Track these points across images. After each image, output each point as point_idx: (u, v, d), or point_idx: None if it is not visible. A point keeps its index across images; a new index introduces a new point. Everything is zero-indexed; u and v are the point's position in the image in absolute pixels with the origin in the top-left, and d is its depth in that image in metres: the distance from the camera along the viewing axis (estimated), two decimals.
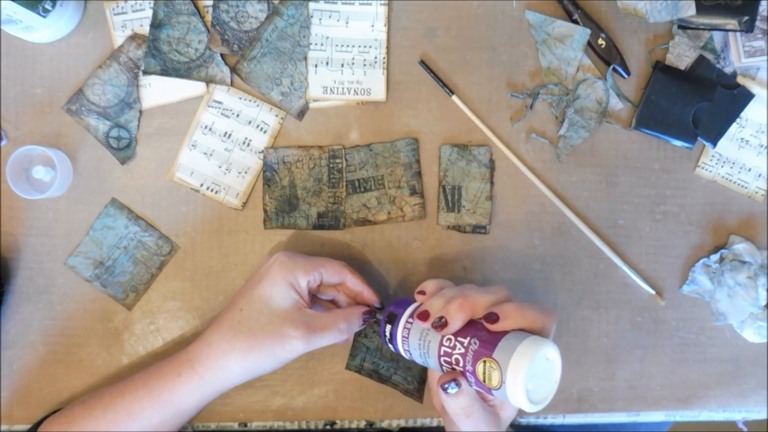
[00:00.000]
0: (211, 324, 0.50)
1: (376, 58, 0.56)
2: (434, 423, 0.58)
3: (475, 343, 0.42)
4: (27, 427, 0.53)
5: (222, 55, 0.56)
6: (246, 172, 0.57)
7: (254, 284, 0.48)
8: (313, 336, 0.47)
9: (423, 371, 0.56)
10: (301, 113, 0.57)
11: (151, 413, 0.49)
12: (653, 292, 0.57)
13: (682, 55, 0.57)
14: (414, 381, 0.56)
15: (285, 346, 0.47)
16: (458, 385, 0.42)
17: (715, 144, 0.57)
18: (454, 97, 0.56)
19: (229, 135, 0.56)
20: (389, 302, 0.51)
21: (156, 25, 0.55)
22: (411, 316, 0.47)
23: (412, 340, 0.46)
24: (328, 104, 0.57)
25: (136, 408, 0.49)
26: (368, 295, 0.52)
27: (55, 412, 0.53)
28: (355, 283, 0.52)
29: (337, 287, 0.54)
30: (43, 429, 0.51)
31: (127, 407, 0.49)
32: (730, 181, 0.58)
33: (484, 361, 0.40)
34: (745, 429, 0.61)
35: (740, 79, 0.57)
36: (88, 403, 0.51)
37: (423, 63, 0.56)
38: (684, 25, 0.56)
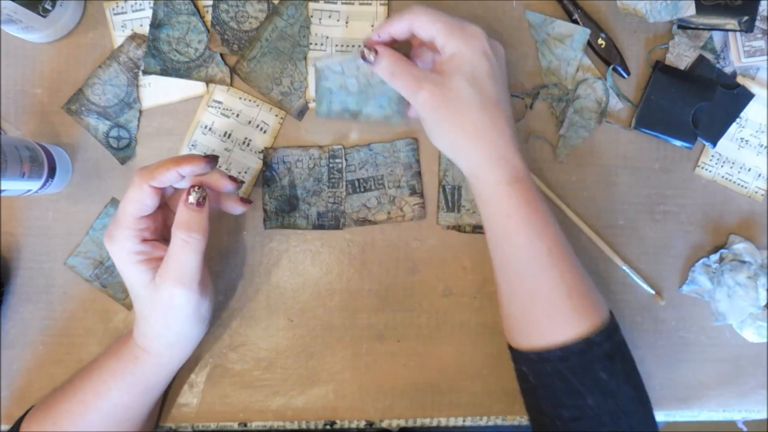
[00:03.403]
0: None
1: None
2: (434, 423, 0.58)
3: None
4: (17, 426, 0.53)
5: (222, 55, 0.56)
6: (246, 172, 0.57)
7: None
8: (180, 276, 0.45)
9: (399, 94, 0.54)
10: (301, 113, 0.57)
11: (119, 392, 0.50)
12: (653, 292, 0.57)
13: (681, 55, 0.57)
14: (391, 104, 0.54)
15: (176, 305, 0.46)
16: (374, 51, 0.48)
17: (714, 144, 0.57)
18: None
19: (229, 135, 0.56)
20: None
21: (156, 24, 0.55)
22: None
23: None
24: None
25: (103, 389, 0.49)
26: (187, 170, 0.45)
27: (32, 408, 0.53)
28: (167, 179, 0.44)
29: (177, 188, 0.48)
30: (26, 421, 0.51)
31: (95, 388, 0.50)
32: (730, 180, 0.58)
33: None
34: (744, 429, 0.61)
35: (740, 79, 0.57)
36: (62, 389, 0.52)
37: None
38: (684, 25, 0.56)
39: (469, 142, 0.46)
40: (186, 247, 0.45)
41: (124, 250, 0.45)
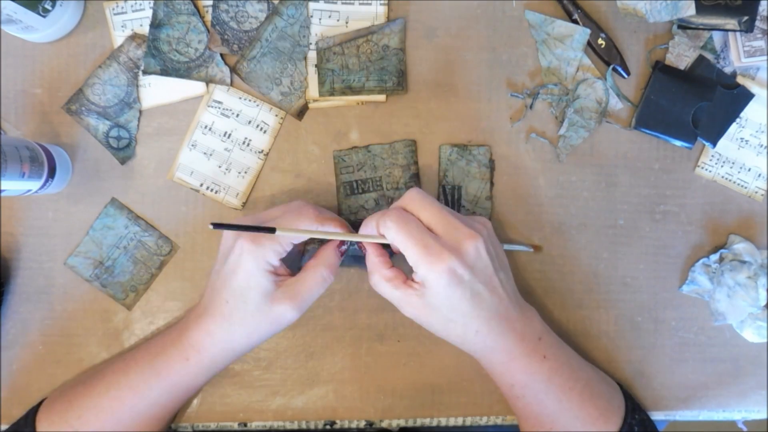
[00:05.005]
0: (202, 309, 0.50)
1: None
2: (434, 423, 0.58)
3: None
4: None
5: (222, 55, 0.56)
6: (246, 172, 0.57)
7: (230, 275, 0.48)
8: (301, 301, 0.48)
9: (398, 66, 0.56)
10: (301, 113, 0.57)
11: (159, 392, 0.50)
12: (531, 250, 0.57)
13: (681, 55, 0.57)
14: (392, 77, 0.55)
15: (280, 321, 0.48)
16: (363, 248, 0.50)
17: (714, 144, 0.57)
18: None
19: (229, 135, 0.56)
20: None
21: (156, 25, 0.55)
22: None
23: None
24: (328, 104, 0.57)
25: (143, 387, 0.50)
26: (339, 227, 0.50)
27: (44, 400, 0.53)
28: (324, 225, 0.49)
29: None
30: (43, 413, 0.51)
31: (133, 386, 0.50)
32: (730, 180, 0.58)
33: None
34: (744, 429, 0.61)
35: (740, 79, 0.57)
36: (89, 383, 0.51)
37: None
38: (684, 25, 0.56)
39: (459, 344, 0.50)
40: (322, 282, 0.49)
41: (263, 258, 0.47)
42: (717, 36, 0.57)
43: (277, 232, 0.45)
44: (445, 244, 0.46)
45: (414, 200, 0.48)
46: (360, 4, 0.56)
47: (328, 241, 0.50)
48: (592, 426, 0.50)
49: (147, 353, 0.51)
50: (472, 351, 0.50)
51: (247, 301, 0.47)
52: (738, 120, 0.58)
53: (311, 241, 0.53)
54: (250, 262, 0.47)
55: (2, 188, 0.48)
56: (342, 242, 0.50)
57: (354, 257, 0.56)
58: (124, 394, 0.50)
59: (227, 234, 0.49)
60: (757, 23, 0.55)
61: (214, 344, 0.49)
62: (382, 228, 0.47)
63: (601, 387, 0.53)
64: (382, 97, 0.56)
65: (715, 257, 0.58)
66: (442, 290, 0.46)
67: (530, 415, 0.52)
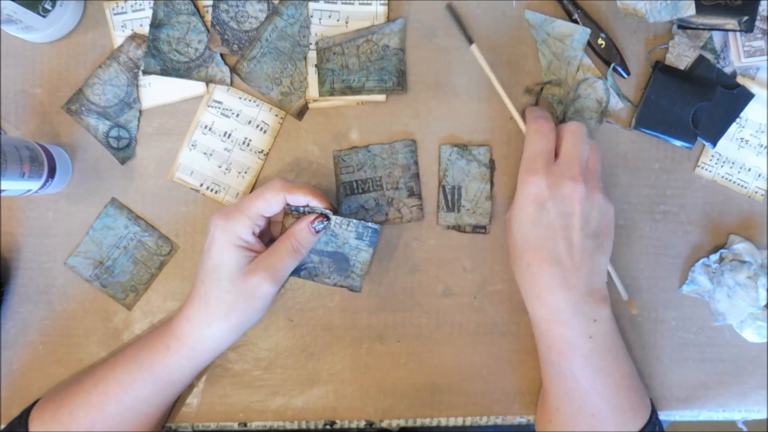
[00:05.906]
0: (186, 298, 0.51)
1: None
2: (434, 423, 0.58)
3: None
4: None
5: (222, 55, 0.56)
6: (246, 172, 0.57)
7: (205, 255, 0.49)
8: (275, 271, 0.48)
9: (398, 66, 0.56)
10: (301, 113, 0.57)
11: (143, 384, 0.50)
12: (627, 298, 0.56)
13: (681, 55, 0.57)
14: (392, 77, 0.56)
15: (256, 295, 0.48)
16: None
17: (714, 144, 0.57)
18: (473, 47, 0.55)
19: (229, 135, 0.56)
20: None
21: (156, 24, 0.55)
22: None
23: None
24: (328, 104, 0.57)
25: (128, 380, 0.50)
26: (315, 204, 0.50)
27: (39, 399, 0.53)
28: (298, 200, 0.50)
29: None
30: (36, 411, 0.51)
31: (119, 379, 0.50)
32: (730, 181, 0.58)
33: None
34: (744, 429, 0.61)
35: (740, 79, 0.57)
36: (81, 379, 0.52)
37: (450, 8, 0.56)
38: (684, 25, 0.56)
39: (514, 272, 0.52)
40: (293, 253, 0.50)
41: (234, 233, 0.48)
42: (717, 36, 0.57)
43: None
44: (549, 170, 0.49)
45: (568, 129, 0.51)
46: (360, 4, 0.56)
47: (304, 219, 0.51)
48: (621, 416, 0.50)
49: (134, 346, 0.52)
50: (520, 289, 0.52)
51: (221, 278, 0.48)
52: (738, 120, 0.58)
53: (289, 219, 0.53)
54: (221, 237, 0.48)
55: (2, 188, 0.48)
56: (314, 219, 0.50)
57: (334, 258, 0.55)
58: (110, 388, 0.50)
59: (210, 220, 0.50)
60: (757, 23, 0.55)
61: (194, 330, 0.49)
62: (529, 115, 0.53)
63: (638, 383, 0.53)
64: (382, 97, 0.56)
65: (715, 257, 0.58)
66: (520, 201, 0.50)
67: (560, 390, 0.51)
